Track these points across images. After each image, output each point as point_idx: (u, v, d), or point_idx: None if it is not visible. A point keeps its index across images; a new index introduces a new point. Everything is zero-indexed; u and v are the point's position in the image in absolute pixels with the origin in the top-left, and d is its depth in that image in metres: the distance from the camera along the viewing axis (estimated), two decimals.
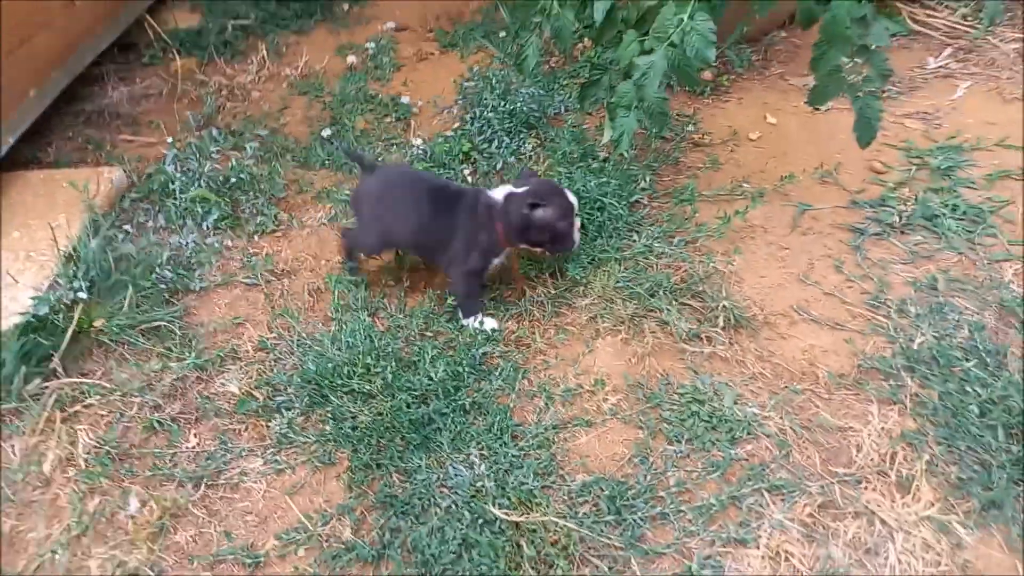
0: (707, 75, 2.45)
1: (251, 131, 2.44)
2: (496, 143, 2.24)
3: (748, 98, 2.41)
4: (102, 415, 1.66)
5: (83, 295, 1.81)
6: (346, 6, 3.13)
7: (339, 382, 1.66)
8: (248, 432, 1.63)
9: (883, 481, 1.44)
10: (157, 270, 1.93)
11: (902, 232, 1.90)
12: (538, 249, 1.78)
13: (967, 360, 1.58)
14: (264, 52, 2.83)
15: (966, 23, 2.56)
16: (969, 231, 1.87)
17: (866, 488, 1.43)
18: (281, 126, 2.51)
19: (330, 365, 1.68)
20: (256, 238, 2.09)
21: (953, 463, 1.45)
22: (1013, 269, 1.78)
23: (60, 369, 1.70)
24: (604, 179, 2.04)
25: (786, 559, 1.34)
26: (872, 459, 1.47)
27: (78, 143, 2.45)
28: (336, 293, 1.88)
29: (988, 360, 1.58)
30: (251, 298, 1.92)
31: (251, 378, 1.71)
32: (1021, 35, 2.52)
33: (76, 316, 1.75)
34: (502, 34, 2.80)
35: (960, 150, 2.11)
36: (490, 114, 2.30)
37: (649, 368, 1.66)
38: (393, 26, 3.00)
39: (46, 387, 1.68)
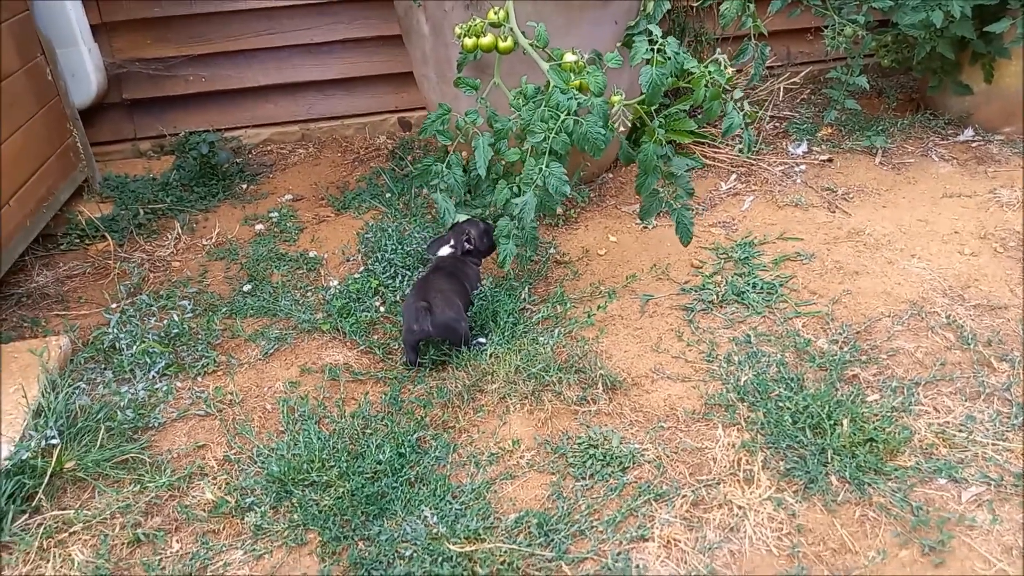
0: (559, 210, 3.08)
1: (179, 293, 2.79)
2: (399, 278, 2.71)
3: (592, 224, 3.05)
4: (87, 539, 1.88)
5: (55, 440, 2.04)
6: (244, 186, 3.60)
7: (300, 477, 1.98)
8: (225, 530, 1.90)
9: (734, 479, 1.92)
10: (119, 413, 2.19)
11: (720, 306, 2.50)
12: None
13: (778, 387, 2.14)
14: (179, 229, 3.22)
15: (741, 156, 3.38)
16: (767, 300, 2.50)
17: (723, 486, 1.90)
18: (205, 287, 2.87)
19: (291, 465, 2.00)
20: (200, 378, 2.40)
21: (780, 459, 1.96)
22: (801, 322, 2.41)
23: (45, 504, 1.92)
24: (495, 294, 2.55)
25: (675, 544, 1.77)
26: (724, 465, 1.96)
27: (14, 322, 2.69)
28: (285, 410, 2.22)
29: (792, 384, 2.14)
30: (207, 426, 2.22)
31: (220, 487, 2.00)
32: (783, 159, 3.36)
33: (55, 457, 1.98)
34: (388, 195, 3.35)
35: (752, 245, 2.80)
36: (391, 256, 2.80)
37: (552, 428, 2.11)
38: (290, 197, 3.49)
39: (31, 522, 1.89)
